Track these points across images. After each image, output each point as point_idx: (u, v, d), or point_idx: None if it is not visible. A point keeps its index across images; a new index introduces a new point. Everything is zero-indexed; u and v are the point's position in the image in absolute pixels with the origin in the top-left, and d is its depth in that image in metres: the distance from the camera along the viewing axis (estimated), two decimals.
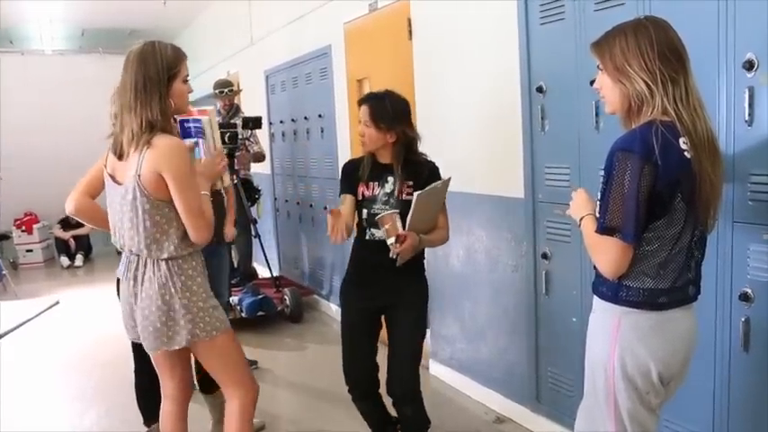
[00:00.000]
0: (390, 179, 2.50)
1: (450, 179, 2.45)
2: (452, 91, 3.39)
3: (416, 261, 2.51)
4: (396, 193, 2.48)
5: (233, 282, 5.34)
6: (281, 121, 5.72)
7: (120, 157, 2.01)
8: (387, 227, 2.35)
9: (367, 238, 2.54)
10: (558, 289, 2.82)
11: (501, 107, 3.02)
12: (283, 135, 5.79)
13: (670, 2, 2.12)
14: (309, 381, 3.95)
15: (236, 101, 5.43)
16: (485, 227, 3.27)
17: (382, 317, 2.63)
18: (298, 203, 5.66)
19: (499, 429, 3.14)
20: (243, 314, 4.81)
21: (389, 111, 2.45)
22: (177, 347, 2.06)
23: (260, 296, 4.88)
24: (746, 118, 1.95)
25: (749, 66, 1.93)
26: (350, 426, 3.03)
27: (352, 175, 2.57)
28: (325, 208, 5.02)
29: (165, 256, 2.01)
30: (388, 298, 2.53)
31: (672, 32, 1.58)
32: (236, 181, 5.02)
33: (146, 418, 2.93)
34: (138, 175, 1.95)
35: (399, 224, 2.34)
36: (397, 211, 2.38)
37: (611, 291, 1.62)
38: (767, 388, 2.02)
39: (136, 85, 1.97)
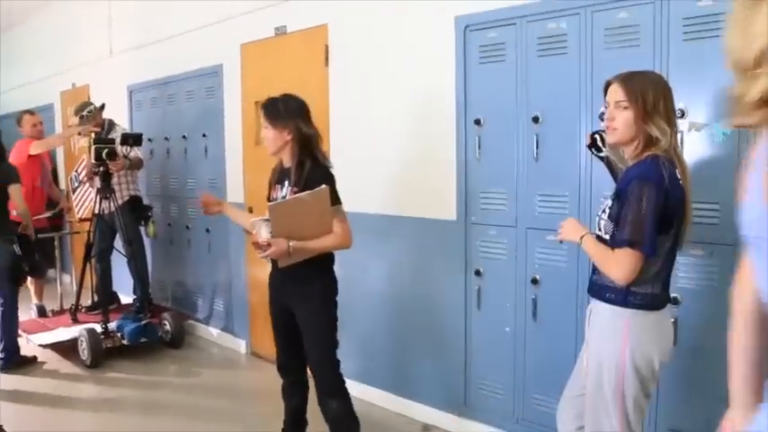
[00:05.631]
0: (287, 183, 2.67)
1: (323, 189, 2.49)
2: (379, 119, 3.58)
3: (317, 262, 2.62)
4: (287, 196, 2.63)
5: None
6: (150, 139, 5.41)
7: None
8: (254, 232, 2.54)
9: None
10: (490, 302, 3.12)
11: (434, 137, 3.27)
12: (152, 153, 5.50)
13: (610, 56, 2.54)
14: (222, 405, 3.82)
15: (104, 116, 5.08)
16: (411, 247, 3.48)
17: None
18: (169, 225, 5.42)
19: None
20: (124, 341, 4.49)
21: (281, 109, 2.63)
22: None
23: (142, 322, 4.59)
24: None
25: (681, 114, 2.39)
26: None
27: (271, 180, 2.81)
28: (207, 231, 4.92)
29: None
30: (290, 299, 2.71)
31: None
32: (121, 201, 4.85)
33: None
34: None
35: (264, 231, 2.49)
36: (266, 217, 2.52)
37: (620, 296, 1.92)
38: (696, 371, 2.47)
39: None
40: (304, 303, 2.67)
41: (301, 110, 2.66)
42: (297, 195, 2.52)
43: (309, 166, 2.62)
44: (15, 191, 4.16)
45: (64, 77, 6.90)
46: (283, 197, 2.64)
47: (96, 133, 4.85)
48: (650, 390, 1.96)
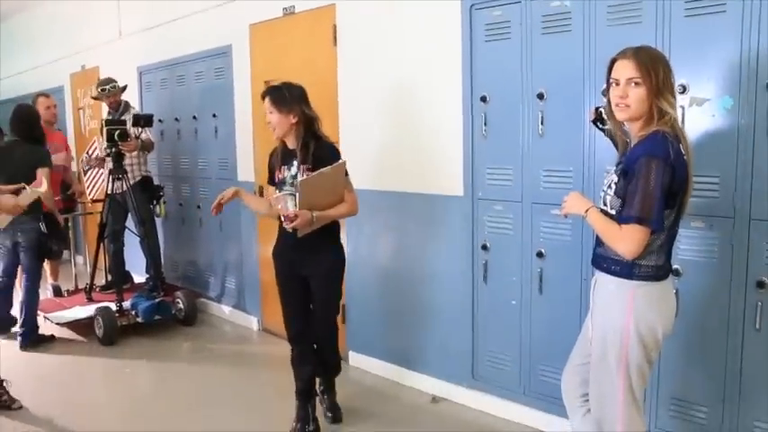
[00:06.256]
0: (295, 163, 2.88)
1: (343, 162, 2.81)
2: (385, 98, 3.63)
3: (326, 233, 2.92)
4: (298, 175, 2.83)
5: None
6: (161, 120, 5.48)
7: None
8: (279, 207, 2.77)
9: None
10: (496, 276, 3.19)
11: (441, 114, 3.32)
12: (162, 134, 5.58)
13: (613, 33, 2.58)
14: (236, 379, 3.92)
15: (122, 97, 5.15)
16: (417, 222, 3.55)
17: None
18: (180, 204, 5.51)
19: (437, 409, 3.42)
20: (139, 318, 4.61)
21: (287, 95, 2.87)
22: None
23: (156, 300, 4.70)
24: None
25: (682, 89, 2.44)
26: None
27: (271, 164, 3.03)
28: None
29: None
30: (304, 268, 2.96)
31: None
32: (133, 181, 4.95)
33: None
34: None
35: (290, 204, 2.74)
36: (289, 192, 2.79)
37: (626, 269, 1.98)
38: (697, 341, 2.55)
39: None
40: (319, 269, 2.96)
41: (303, 95, 2.91)
42: (321, 170, 2.72)
43: (315, 145, 2.85)
44: (43, 174, 4.22)
45: (73, 60, 6.97)
46: (293, 176, 2.85)
47: (109, 113, 4.93)
48: (653, 358, 2.03)
